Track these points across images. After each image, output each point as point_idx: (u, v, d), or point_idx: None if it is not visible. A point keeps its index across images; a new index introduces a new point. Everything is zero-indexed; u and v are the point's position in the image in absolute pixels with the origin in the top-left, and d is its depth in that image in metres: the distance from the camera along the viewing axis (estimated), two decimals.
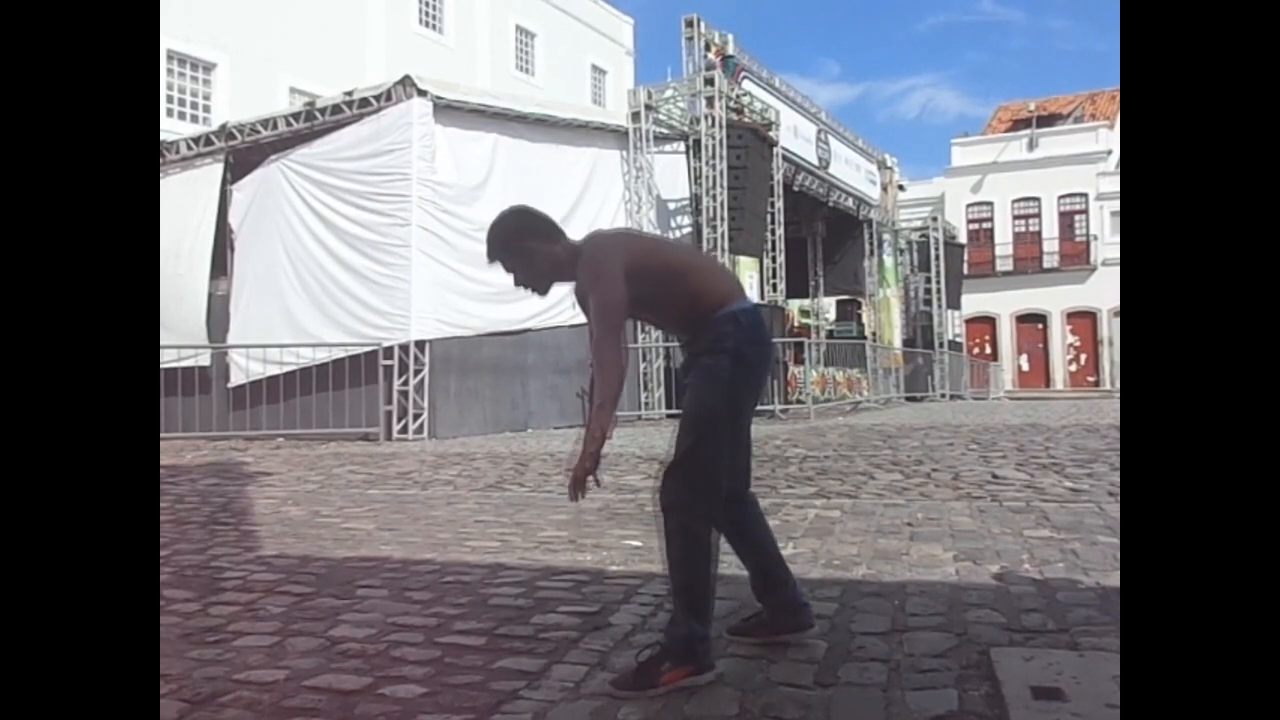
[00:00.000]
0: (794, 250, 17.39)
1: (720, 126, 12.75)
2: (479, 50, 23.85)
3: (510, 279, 2.38)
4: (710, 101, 12.87)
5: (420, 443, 9.43)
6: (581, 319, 2.72)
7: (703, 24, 13.00)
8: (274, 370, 10.36)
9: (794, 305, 19.35)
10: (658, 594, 2.91)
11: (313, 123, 10.82)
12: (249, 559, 3.71)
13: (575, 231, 2.42)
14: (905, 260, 21.96)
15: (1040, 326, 32.72)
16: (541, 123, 11.63)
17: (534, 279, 2.33)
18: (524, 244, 2.31)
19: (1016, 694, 1.99)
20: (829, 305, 22.07)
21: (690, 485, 2.16)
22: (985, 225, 33.75)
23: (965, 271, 26.71)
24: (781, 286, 14.84)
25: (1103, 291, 30.78)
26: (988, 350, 32.28)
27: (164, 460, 6.97)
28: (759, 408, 12.15)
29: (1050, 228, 32.78)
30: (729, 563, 3.40)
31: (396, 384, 9.83)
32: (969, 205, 33.67)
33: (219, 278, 11.44)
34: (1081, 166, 31.99)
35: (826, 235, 20.03)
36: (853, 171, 18.58)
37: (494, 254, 2.33)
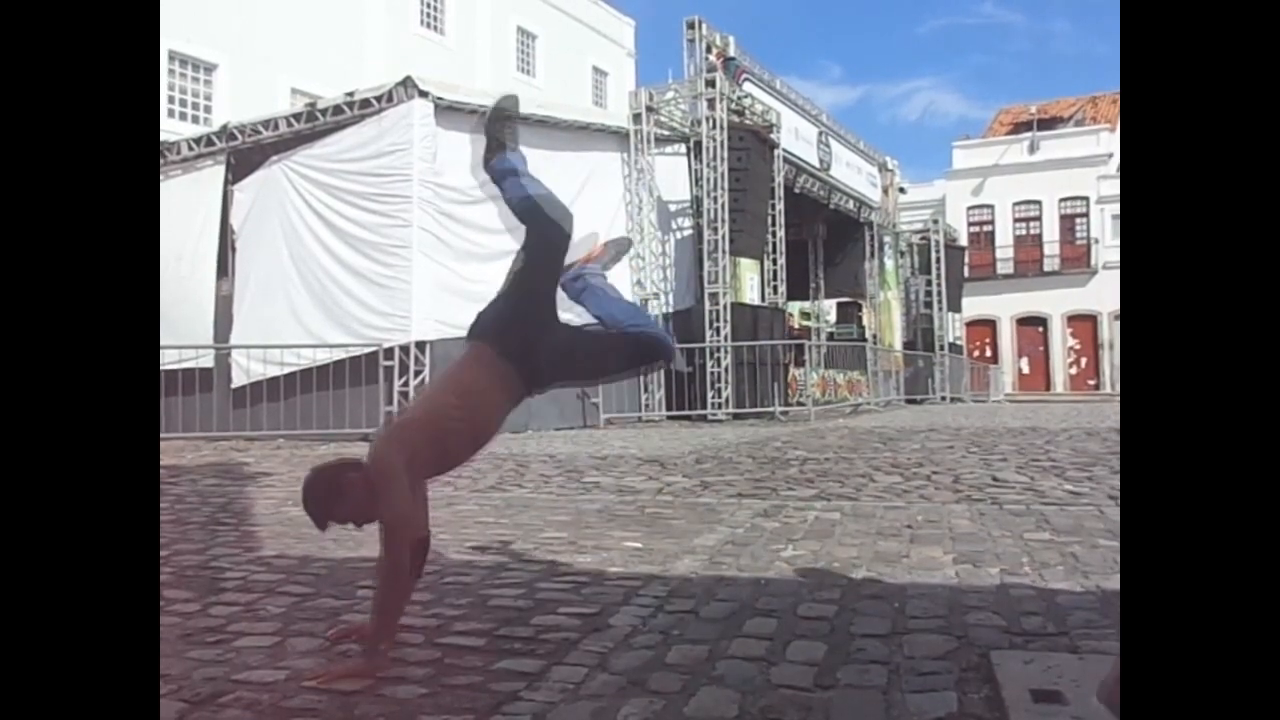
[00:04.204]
0: (795, 252, 17.40)
1: (721, 128, 12.76)
2: (480, 51, 23.89)
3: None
4: (711, 103, 12.88)
5: None
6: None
7: (704, 26, 13.01)
8: (275, 371, 10.36)
9: (794, 307, 19.36)
10: (657, 595, 2.91)
11: (314, 123, 10.82)
12: (249, 559, 3.71)
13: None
14: (906, 263, 21.97)
15: (1041, 329, 32.73)
16: (542, 124, 11.62)
17: (361, 514, 2.26)
18: (340, 481, 2.24)
19: (1016, 697, 1.99)
20: (829, 307, 22.10)
21: None
22: (986, 228, 33.78)
23: (966, 274, 26.75)
24: (782, 289, 14.85)
25: (1103, 295, 30.81)
26: (988, 353, 32.28)
27: (165, 460, 6.97)
28: (759, 409, 12.23)
29: (1051, 231, 32.81)
30: (728, 563, 3.41)
31: (397, 385, 9.83)
32: (970, 208, 33.70)
33: (221, 278, 11.45)
34: (1082, 169, 32.02)
35: (827, 237, 20.03)
36: (854, 174, 18.59)
37: (323, 518, 2.26)
